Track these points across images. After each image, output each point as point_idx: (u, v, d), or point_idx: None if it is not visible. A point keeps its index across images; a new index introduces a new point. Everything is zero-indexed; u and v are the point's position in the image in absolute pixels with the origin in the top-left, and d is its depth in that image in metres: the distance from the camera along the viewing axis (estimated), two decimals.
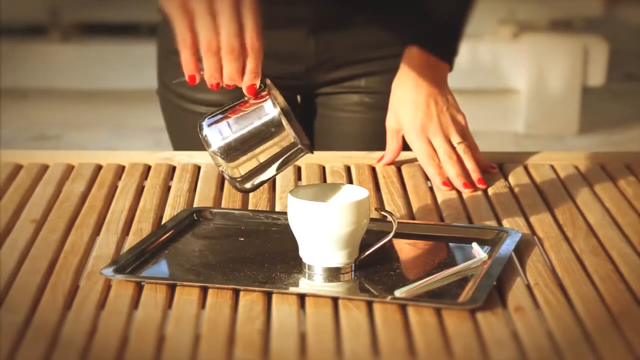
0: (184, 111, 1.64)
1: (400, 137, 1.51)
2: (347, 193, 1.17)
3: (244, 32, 1.12)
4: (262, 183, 1.20)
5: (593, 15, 4.77)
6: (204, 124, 1.18)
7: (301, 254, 1.15)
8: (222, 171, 1.19)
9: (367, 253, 1.16)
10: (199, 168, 1.52)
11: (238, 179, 1.19)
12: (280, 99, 1.20)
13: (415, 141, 1.48)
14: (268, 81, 1.17)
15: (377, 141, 1.56)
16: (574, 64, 4.51)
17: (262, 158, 1.17)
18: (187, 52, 1.13)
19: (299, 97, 1.69)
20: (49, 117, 4.60)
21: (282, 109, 1.17)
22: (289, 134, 1.16)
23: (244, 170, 1.18)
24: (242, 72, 1.13)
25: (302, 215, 1.13)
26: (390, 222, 1.16)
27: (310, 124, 1.70)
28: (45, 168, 1.51)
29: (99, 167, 1.52)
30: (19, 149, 1.62)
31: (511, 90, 4.56)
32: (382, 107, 1.54)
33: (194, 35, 1.12)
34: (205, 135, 1.17)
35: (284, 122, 1.15)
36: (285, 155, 1.18)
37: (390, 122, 1.52)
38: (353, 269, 1.15)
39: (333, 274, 1.14)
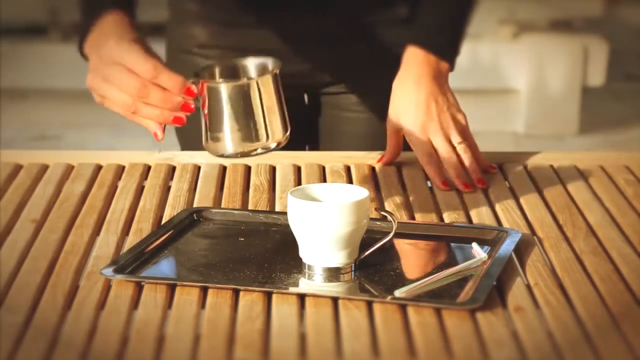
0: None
1: (400, 137, 1.51)
2: (347, 193, 1.17)
3: (134, 69, 1.20)
4: (285, 125, 1.22)
5: (593, 15, 4.77)
6: (203, 141, 1.22)
7: (301, 254, 1.15)
8: (256, 154, 1.21)
9: (367, 253, 1.16)
10: (199, 168, 1.52)
11: (265, 144, 1.21)
12: (218, 68, 1.24)
13: (416, 141, 1.48)
14: (199, 72, 1.23)
15: (383, 141, 1.56)
16: (574, 64, 4.51)
17: (259, 114, 1.20)
18: (134, 118, 1.24)
19: (305, 96, 1.69)
20: (49, 117, 4.60)
21: (220, 74, 1.22)
22: (242, 84, 1.18)
23: (262, 136, 1.20)
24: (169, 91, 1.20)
25: (302, 215, 1.13)
26: (390, 222, 1.16)
27: (316, 123, 1.70)
28: (45, 168, 1.51)
29: (99, 167, 1.52)
30: (19, 149, 1.62)
31: (511, 90, 4.56)
32: (387, 107, 1.54)
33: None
34: (209, 148, 1.22)
35: (230, 86, 1.18)
36: (269, 90, 1.20)
37: (390, 122, 1.51)
38: (353, 269, 1.15)
39: (333, 274, 1.14)
